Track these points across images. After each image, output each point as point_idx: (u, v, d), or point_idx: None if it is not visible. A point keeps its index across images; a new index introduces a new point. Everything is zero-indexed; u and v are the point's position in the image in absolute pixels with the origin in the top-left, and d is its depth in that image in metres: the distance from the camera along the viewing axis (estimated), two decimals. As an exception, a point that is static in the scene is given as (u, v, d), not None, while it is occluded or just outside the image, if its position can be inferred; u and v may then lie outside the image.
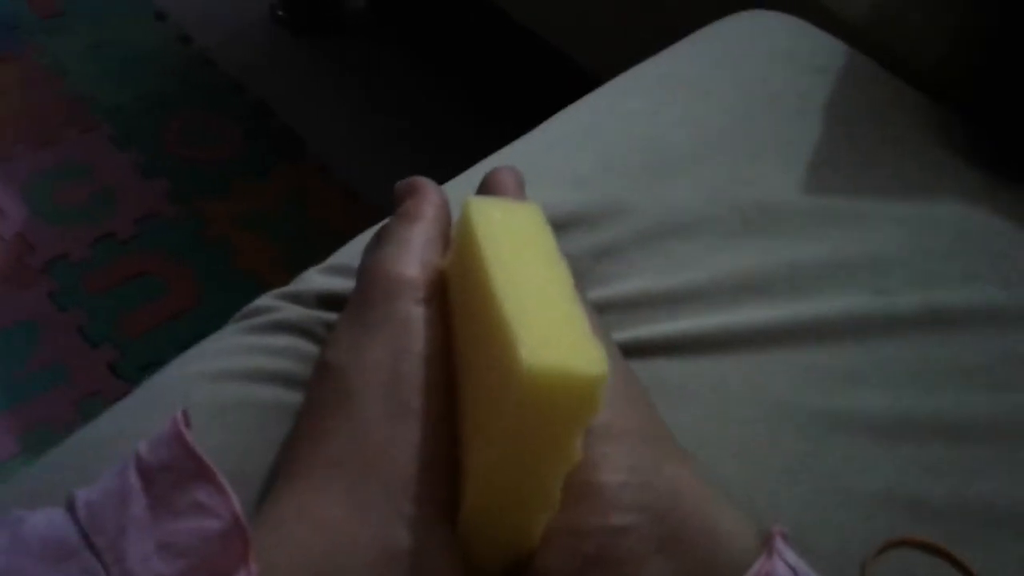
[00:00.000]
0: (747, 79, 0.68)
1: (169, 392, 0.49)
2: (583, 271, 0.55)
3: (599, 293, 0.54)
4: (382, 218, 0.57)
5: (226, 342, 0.51)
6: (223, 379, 0.48)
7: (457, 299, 0.41)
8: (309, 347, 0.49)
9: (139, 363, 1.16)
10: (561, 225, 0.56)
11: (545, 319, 0.34)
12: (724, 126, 0.64)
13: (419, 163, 1.30)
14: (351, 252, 0.55)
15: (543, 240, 0.40)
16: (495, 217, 0.40)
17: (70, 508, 0.35)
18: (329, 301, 0.51)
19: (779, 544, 0.40)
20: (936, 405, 0.50)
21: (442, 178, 0.59)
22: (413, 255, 0.42)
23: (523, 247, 0.39)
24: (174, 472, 0.35)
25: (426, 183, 0.47)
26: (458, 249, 0.41)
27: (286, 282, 0.55)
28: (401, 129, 1.44)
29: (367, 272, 0.43)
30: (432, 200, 0.46)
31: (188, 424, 0.37)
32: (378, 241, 0.45)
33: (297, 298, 0.52)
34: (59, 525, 0.35)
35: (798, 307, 0.53)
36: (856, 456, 0.48)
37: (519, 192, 0.48)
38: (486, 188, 0.48)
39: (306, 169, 1.38)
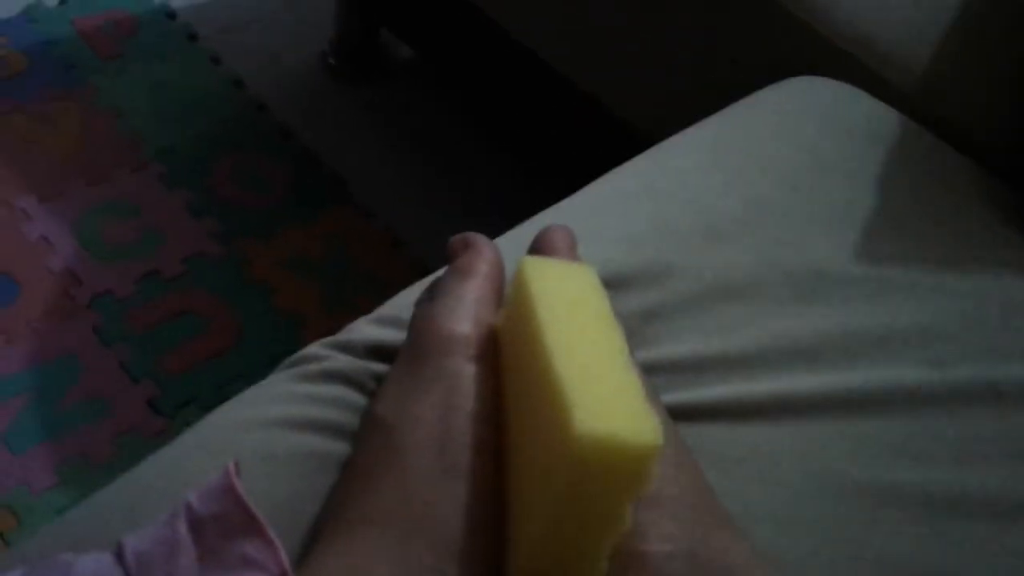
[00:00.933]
0: (799, 146, 0.68)
1: (217, 438, 0.49)
2: (631, 332, 0.55)
3: (647, 355, 0.54)
4: (425, 267, 0.57)
5: (275, 389, 0.51)
6: (271, 427, 0.48)
7: (510, 359, 0.41)
8: (358, 398, 0.49)
9: (178, 400, 1.17)
10: (610, 285, 0.56)
11: (600, 384, 0.34)
12: (775, 192, 0.64)
13: (464, 215, 1.31)
14: (400, 304, 0.55)
15: (598, 303, 0.40)
16: (551, 277, 0.40)
17: (118, 555, 0.35)
18: (379, 352, 0.51)
19: None
20: (990, 483, 0.50)
21: (487, 232, 0.60)
22: (466, 311, 0.42)
23: (578, 309, 0.38)
24: (224, 523, 0.35)
25: (481, 239, 0.47)
26: (512, 308, 0.41)
27: (327, 326, 0.55)
28: (447, 179, 1.45)
29: (419, 326, 0.43)
30: (487, 257, 0.46)
31: (239, 474, 0.36)
32: (431, 295, 0.45)
33: (346, 348, 0.52)
34: (107, 573, 0.35)
35: (849, 376, 0.53)
36: (907, 533, 0.48)
37: (571, 252, 0.48)
38: (539, 246, 0.48)
39: (351, 215, 1.39)
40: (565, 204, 0.63)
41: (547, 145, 1.24)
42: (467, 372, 0.40)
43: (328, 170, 1.45)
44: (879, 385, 0.52)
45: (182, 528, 0.35)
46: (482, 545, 0.36)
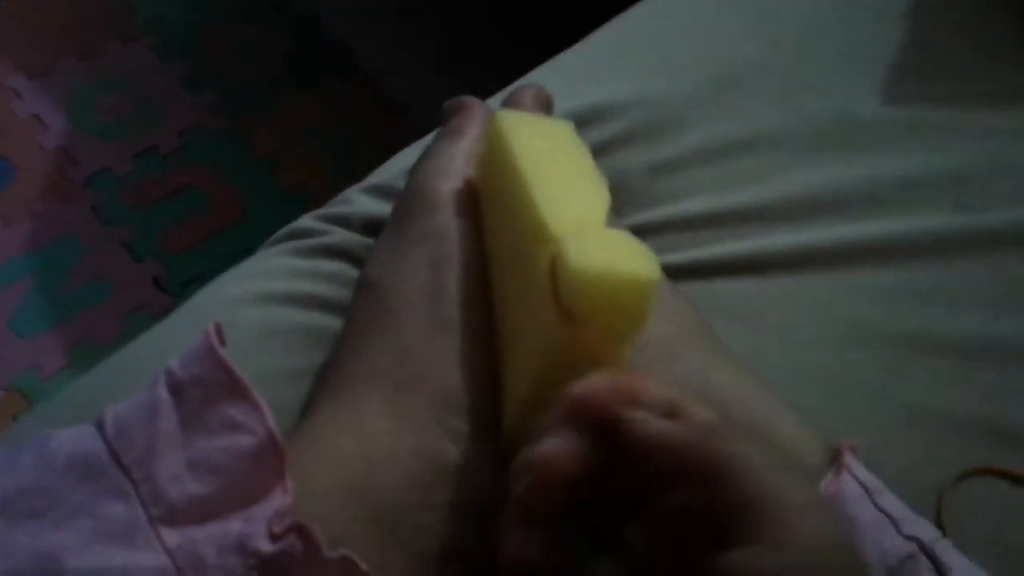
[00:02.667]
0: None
1: (214, 312, 0.48)
2: (640, 190, 0.52)
3: (655, 213, 0.51)
4: (430, 134, 0.55)
5: (272, 263, 0.50)
6: (270, 302, 0.47)
7: (491, 209, 0.40)
8: (357, 274, 0.47)
9: (183, 278, 1.16)
10: (617, 140, 0.54)
11: (591, 226, 0.34)
12: (795, 33, 0.60)
13: (469, 80, 1.27)
14: (392, 170, 0.53)
15: (576, 152, 0.39)
16: (526, 129, 0.39)
17: (98, 425, 0.34)
18: (376, 227, 0.49)
19: (849, 459, 0.38)
20: (1022, 328, 0.48)
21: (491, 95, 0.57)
22: (455, 170, 0.42)
23: (557, 157, 0.38)
24: (205, 387, 0.34)
25: (474, 101, 0.46)
26: (488, 161, 0.41)
27: (331, 198, 0.53)
28: (450, 43, 1.40)
29: (408, 187, 0.43)
30: (478, 118, 0.45)
31: (222, 339, 0.35)
32: (421, 157, 0.44)
33: (344, 222, 0.51)
34: (86, 441, 0.34)
35: (875, 225, 0.50)
36: (936, 379, 0.46)
37: (542, 111, 0.46)
38: (508, 105, 0.47)
39: (353, 84, 1.35)
40: (567, 56, 0.60)
41: (562, 9, 1.18)
42: (456, 228, 0.40)
43: (328, 37, 1.40)
44: (905, 233, 0.50)
45: (163, 392, 0.34)
46: (479, 397, 0.36)
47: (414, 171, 0.43)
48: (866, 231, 0.50)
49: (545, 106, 0.47)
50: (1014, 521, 0.43)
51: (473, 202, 0.41)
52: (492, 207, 0.40)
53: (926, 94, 0.57)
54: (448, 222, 0.40)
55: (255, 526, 0.32)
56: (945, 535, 0.40)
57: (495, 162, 0.39)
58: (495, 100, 0.54)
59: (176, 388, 0.34)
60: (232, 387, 0.34)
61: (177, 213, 1.21)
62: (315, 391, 0.41)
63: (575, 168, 0.38)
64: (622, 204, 0.52)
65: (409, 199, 0.42)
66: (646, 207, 0.51)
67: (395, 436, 0.35)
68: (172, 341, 0.47)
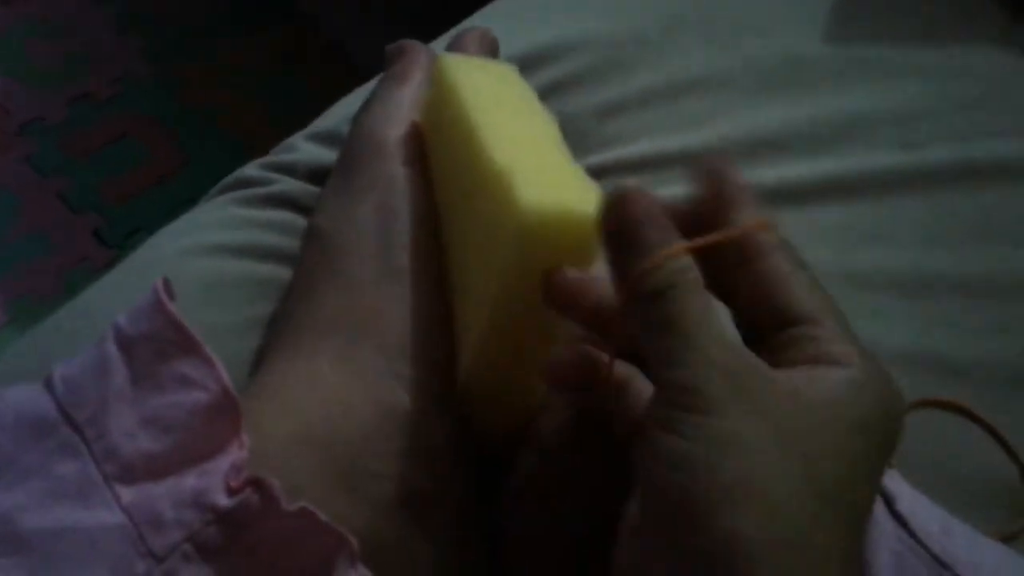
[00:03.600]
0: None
1: (160, 265, 0.47)
2: (586, 132, 0.52)
3: (603, 155, 0.51)
4: (374, 79, 0.54)
5: (218, 214, 0.49)
6: (218, 253, 0.46)
7: (437, 156, 0.40)
8: (303, 221, 0.47)
9: (125, 230, 1.14)
10: (562, 84, 0.54)
11: (539, 164, 0.34)
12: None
13: (410, 22, 1.25)
14: (336, 116, 0.53)
15: (522, 92, 0.39)
16: (471, 72, 0.39)
17: (47, 384, 0.34)
18: (323, 176, 0.49)
19: None
20: (963, 262, 0.49)
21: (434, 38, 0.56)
22: (400, 116, 0.42)
23: (503, 99, 0.38)
24: (156, 343, 0.33)
25: (416, 45, 0.46)
26: (434, 105, 0.40)
27: (273, 146, 0.53)
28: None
29: (354, 134, 0.42)
30: (421, 62, 0.44)
31: (171, 294, 0.34)
32: (366, 104, 0.44)
33: (289, 170, 0.50)
34: (35, 400, 0.33)
35: (818, 164, 0.51)
36: (878, 314, 0.47)
37: (488, 54, 0.46)
38: (453, 48, 0.46)
39: (291, 28, 1.32)
40: (504, 3, 0.59)
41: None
42: (402, 175, 0.39)
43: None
44: (848, 171, 0.51)
45: (112, 349, 0.34)
46: (430, 344, 0.36)
47: (358, 118, 0.43)
48: (810, 170, 0.51)
49: (490, 49, 0.46)
50: (959, 450, 0.44)
51: (420, 148, 0.41)
52: (440, 152, 0.40)
53: (868, 34, 0.57)
54: (396, 170, 0.39)
55: (212, 480, 0.32)
56: (892, 465, 0.42)
57: (441, 107, 0.39)
58: (439, 43, 0.54)
59: (125, 344, 0.34)
60: (183, 343, 0.33)
61: (115, 163, 1.19)
62: (266, 342, 0.41)
63: (522, 108, 0.38)
64: (570, 147, 0.51)
65: (355, 147, 0.42)
66: (594, 150, 0.52)
67: (348, 386, 0.35)
68: (117, 295, 0.47)
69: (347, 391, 0.35)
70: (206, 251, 0.46)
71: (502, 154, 0.34)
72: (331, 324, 0.37)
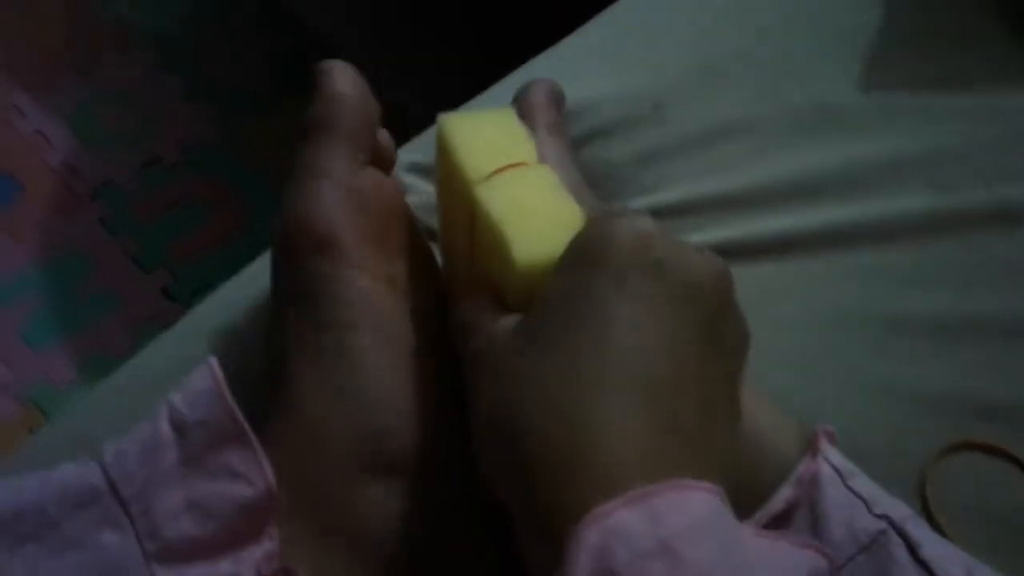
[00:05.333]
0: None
1: (218, 319, 0.49)
2: (627, 179, 0.53)
3: (641, 202, 0.52)
4: (427, 130, 0.56)
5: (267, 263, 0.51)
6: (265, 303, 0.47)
7: (449, 214, 0.43)
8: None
9: (192, 287, 1.17)
10: (603, 132, 0.55)
11: (532, 216, 0.36)
12: (773, 20, 0.61)
13: (467, 76, 1.28)
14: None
15: (518, 141, 0.40)
16: (468, 128, 0.41)
17: (100, 458, 0.34)
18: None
19: (824, 444, 0.39)
20: (1000, 305, 0.49)
21: (482, 84, 0.58)
22: (325, 204, 0.38)
23: (500, 152, 0.39)
24: (210, 430, 0.34)
25: (333, 68, 0.41)
26: (440, 166, 0.42)
27: None
28: (441, 42, 1.41)
29: (285, 218, 0.40)
30: (339, 96, 0.40)
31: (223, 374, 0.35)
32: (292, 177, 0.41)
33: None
34: (86, 471, 0.34)
35: (854, 208, 0.51)
36: (916, 358, 0.47)
37: (554, 106, 0.47)
38: (521, 102, 0.47)
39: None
40: (554, 51, 0.61)
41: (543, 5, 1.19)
42: (353, 287, 0.38)
43: (319, 39, 1.41)
44: (884, 215, 0.51)
45: (165, 428, 0.34)
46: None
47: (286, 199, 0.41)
48: (845, 215, 0.51)
49: (558, 100, 0.47)
50: (995, 492, 0.44)
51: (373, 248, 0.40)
52: (450, 210, 0.42)
53: (900, 79, 0.57)
54: (342, 279, 0.38)
55: (244, 569, 0.33)
56: (929, 508, 0.42)
57: (446, 166, 0.41)
58: (494, 93, 0.57)
59: (180, 427, 0.34)
60: (235, 435, 0.34)
61: (183, 223, 1.23)
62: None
63: (517, 153, 0.40)
64: (609, 194, 0.53)
65: (284, 243, 0.40)
66: (632, 197, 0.53)
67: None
68: (183, 351, 0.48)
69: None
70: (264, 302, 0.47)
71: (500, 210, 0.36)
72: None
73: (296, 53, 1.40)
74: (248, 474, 0.34)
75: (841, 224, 0.51)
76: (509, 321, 0.33)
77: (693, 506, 0.27)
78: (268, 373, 0.39)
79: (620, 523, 0.25)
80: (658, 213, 0.51)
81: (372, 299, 0.37)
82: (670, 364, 0.29)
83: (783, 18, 0.61)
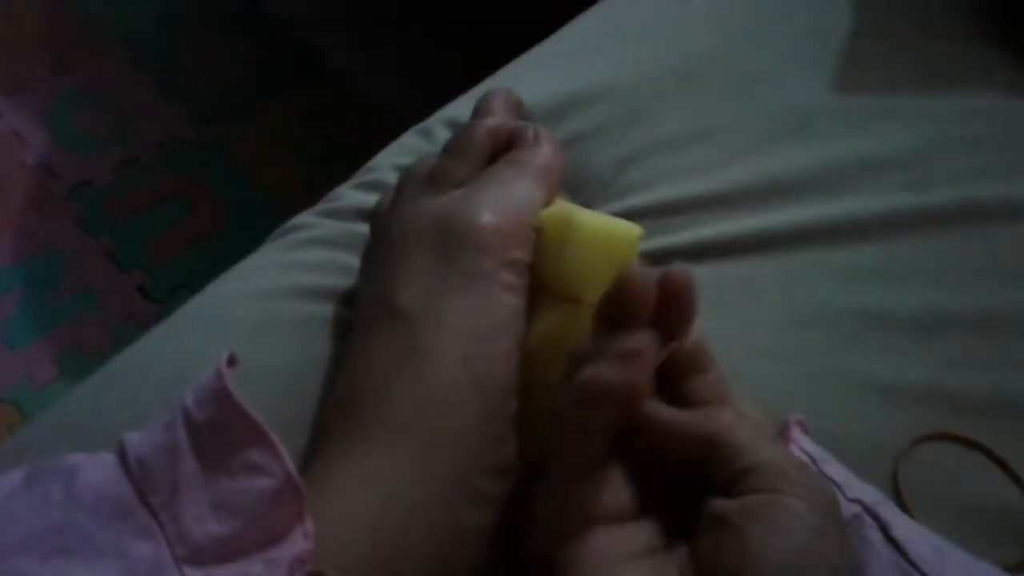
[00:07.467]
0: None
1: (210, 312, 0.50)
2: (606, 183, 0.54)
3: (622, 204, 0.53)
4: (406, 133, 0.56)
5: (263, 260, 0.51)
6: (262, 297, 0.48)
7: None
8: (347, 259, 0.49)
9: (169, 285, 1.17)
10: (580, 137, 0.56)
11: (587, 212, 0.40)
12: (749, 23, 0.62)
13: (442, 78, 1.29)
14: (382, 164, 0.55)
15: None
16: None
17: (121, 457, 0.35)
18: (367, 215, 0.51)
19: (796, 433, 0.40)
20: (972, 300, 0.50)
21: (459, 93, 0.59)
22: (511, 211, 0.40)
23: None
24: (223, 430, 0.34)
25: (545, 138, 0.44)
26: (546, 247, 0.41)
27: (312, 201, 0.55)
28: (420, 44, 1.41)
29: (458, 210, 0.40)
30: (545, 155, 0.43)
31: (232, 361, 0.35)
32: (481, 182, 0.42)
33: (334, 214, 0.52)
34: (113, 480, 0.34)
35: (829, 208, 0.53)
36: (890, 353, 0.48)
37: (511, 114, 0.46)
38: (478, 112, 0.46)
39: (327, 87, 1.36)
40: (527, 58, 0.62)
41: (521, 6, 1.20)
42: (501, 276, 0.38)
43: (299, 42, 1.41)
44: (858, 214, 0.52)
45: (181, 435, 0.34)
46: (506, 456, 0.37)
47: (471, 195, 0.41)
48: (820, 214, 0.52)
49: (515, 109, 0.46)
50: (965, 481, 0.45)
51: (526, 251, 0.40)
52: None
53: (876, 82, 0.59)
54: (496, 269, 0.38)
55: (276, 570, 0.33)
56: (901, 495, 0.43)
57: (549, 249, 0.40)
58: (466, 101, 0.57)
59: (194, 429, 0.35)
60: (250, 432, 0.34)
61: (160, 222, 1.23)
62: (329, 423, 0.39)
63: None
64: (591, 197, 0.54)
65: (456, 231, 0.39)
66: (613, 199, 0.54)
67: (428, 501, 0.35)
68: (173, 344, 0.49)
69: (426, 506, 0.35)
70: (252, 296, 0.49)
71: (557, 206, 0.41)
72: (406, 427, 0.36)
73: (272, 54, 1.40)
74: (266, 466, 0.34)
75: (817, 223, 0.52)
76: None
77: None
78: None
79: None
80: (637, 215, 0.52)
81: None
82: None
83: (758, 21, 0.63)
